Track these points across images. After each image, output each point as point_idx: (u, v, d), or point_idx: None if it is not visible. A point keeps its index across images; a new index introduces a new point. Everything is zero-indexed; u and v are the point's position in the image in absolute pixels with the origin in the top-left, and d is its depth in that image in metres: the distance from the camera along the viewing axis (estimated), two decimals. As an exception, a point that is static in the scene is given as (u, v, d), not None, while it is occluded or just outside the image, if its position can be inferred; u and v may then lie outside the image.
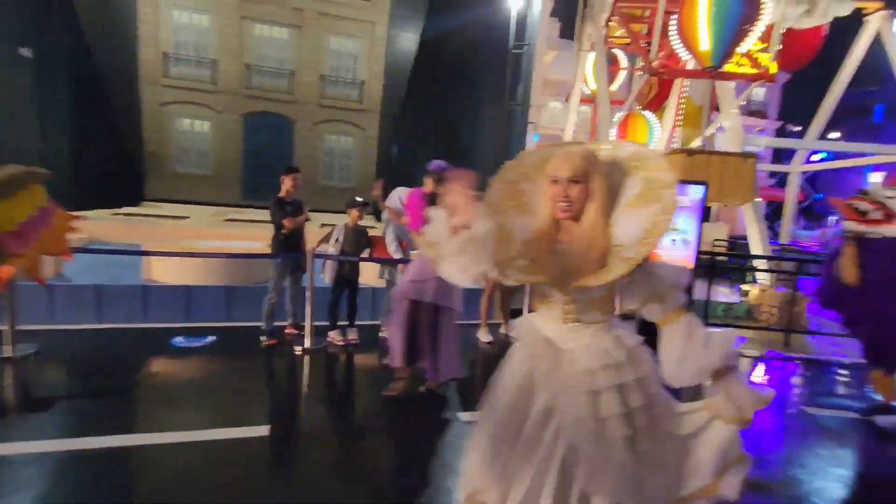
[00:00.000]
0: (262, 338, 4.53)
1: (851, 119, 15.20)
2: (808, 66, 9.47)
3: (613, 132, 9.82)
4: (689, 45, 6.33)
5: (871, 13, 8.21)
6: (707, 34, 6.10)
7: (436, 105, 20.42)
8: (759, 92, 17.45)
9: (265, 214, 4.89)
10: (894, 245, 3.35)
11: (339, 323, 4.70)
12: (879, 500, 2.87)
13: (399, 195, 4.89)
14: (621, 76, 11.49)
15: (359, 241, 4.72)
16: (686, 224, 5.04)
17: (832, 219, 17.73)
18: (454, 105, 20.52)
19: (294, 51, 18.35)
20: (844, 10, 7.70)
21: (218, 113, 18.49)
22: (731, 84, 8.15)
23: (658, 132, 9.90)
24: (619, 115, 9.98)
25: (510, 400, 1.41)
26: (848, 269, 3.44)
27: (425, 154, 18.81)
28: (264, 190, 10.39)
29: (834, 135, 14.05)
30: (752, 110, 17.23)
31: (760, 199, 16.86)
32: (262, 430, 2.97)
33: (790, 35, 8.29)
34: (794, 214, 11.35)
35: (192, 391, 3.59)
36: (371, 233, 5.02)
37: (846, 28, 8.58)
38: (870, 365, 3.72)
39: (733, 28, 5.94)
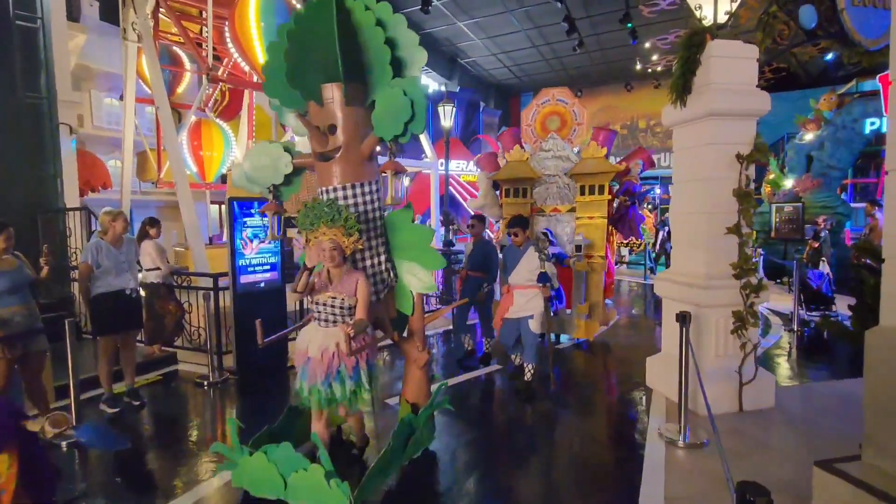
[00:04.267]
0: None
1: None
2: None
3: (184, 139, 8.81)
4: (246, 56, 6.23)
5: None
6: (262, 49, 6.15)
7: None
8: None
9: None
10: None
11: None
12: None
13: None
14: (188, 78, 10.43)
15: None
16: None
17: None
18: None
19: None
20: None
21: None
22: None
23: (234, 142, 9.58)
24: (189, 121, 9.01)
25: None
26: None
27: None
28: None
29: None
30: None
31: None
32: None
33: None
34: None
35: None
36: None
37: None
38: None
39: (284, 46, 6.17)
